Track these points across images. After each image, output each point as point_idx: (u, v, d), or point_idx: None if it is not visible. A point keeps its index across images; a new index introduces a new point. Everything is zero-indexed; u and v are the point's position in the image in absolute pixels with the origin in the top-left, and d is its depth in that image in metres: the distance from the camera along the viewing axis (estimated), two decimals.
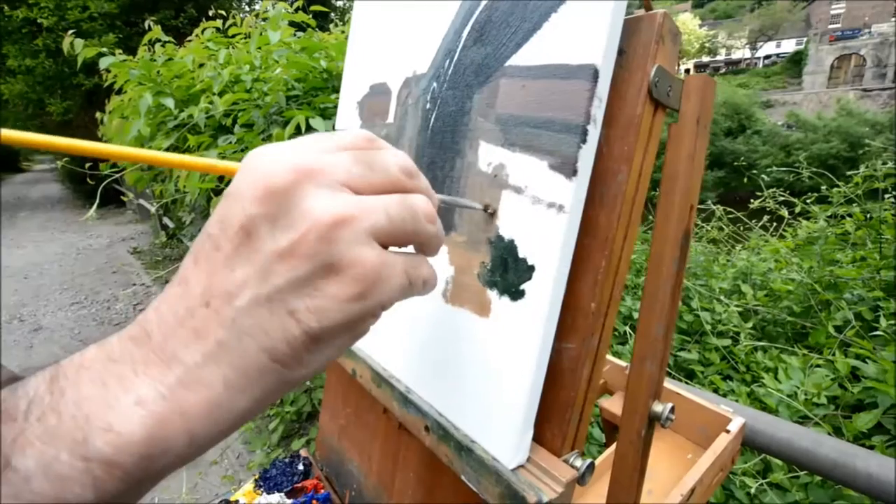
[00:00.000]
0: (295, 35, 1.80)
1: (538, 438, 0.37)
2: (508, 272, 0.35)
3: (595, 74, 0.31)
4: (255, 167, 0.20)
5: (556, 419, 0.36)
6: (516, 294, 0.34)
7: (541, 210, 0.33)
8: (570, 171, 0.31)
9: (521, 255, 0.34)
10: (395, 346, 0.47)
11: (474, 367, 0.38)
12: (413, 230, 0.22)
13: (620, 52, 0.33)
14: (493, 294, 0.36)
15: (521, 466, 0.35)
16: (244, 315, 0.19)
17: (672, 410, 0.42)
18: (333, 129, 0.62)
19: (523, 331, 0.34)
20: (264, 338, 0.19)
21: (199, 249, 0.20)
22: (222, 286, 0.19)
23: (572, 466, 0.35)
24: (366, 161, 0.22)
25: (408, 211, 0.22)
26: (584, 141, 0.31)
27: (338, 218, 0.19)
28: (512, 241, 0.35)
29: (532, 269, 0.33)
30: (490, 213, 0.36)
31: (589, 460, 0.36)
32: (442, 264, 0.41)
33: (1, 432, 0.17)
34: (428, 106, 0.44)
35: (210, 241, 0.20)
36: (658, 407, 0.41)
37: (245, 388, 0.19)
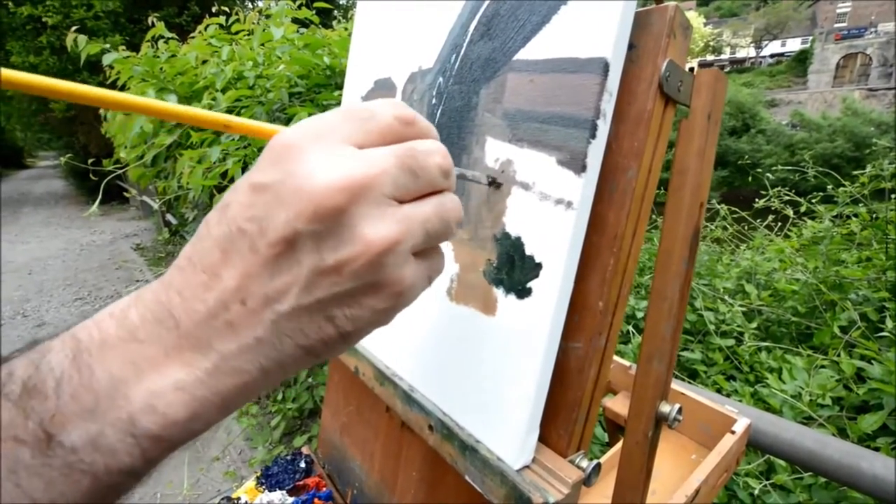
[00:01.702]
0: (298, 32, 1.80)
1: (544, 439, 0.36)
2: (515, 270, 0.34)
3: (605, 68, 0.30)
4: (300, 175, 0.19)
5: (562, 419, 0.36)
6: (523, 292, 0.34)
7: (548, 207, 0.32)
8: (578, 166, 0.31)
9: (528, 252, 0.33)
10: (398, 344, 0.46)
11: (479, 366, 0.37)
12: (444, 237, 0.23)
13: (631, 46, 0.33)
14: (499, 292, 0.35)
15: (527, 467, 0.35)
16: (284, 319, 0.20)
17: (680, 411, 0.41)
18: None
19: (530, 329, 0.33)
20: (302, 338, 0.20)
21: (229, 243, 0.20)
22: (261, 290, 0.19)
23: (578, 467, 0.35)
24: (411, 169, 0.21)
25: (443, 223, 0.22)
26: (593, 136, 0.31)
27: (387, 244, 0.20)
28: (519, 239, 0.34)
29: (539, 266, 0.33)
30: (495, 187, 0.36)
31: (595, 461, 0.36)
32: (446, 262, 0.40)
33: (33, 408, 0.18)
34: (433, 101, 0.43)
35: (244, 239, 0.19)
36: (665, 407, 0.40)
37: (278, 374, 0.21)
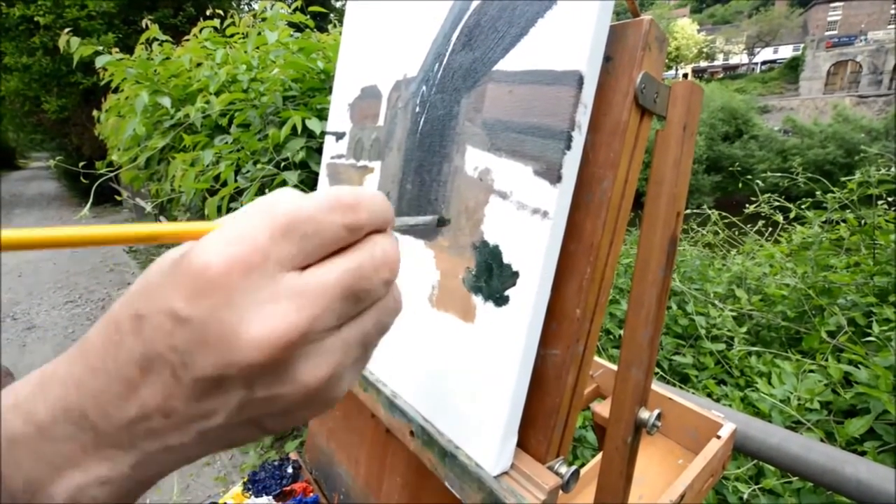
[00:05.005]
0: (293, 35, 1.80)
1: (523, 445, 0.37)
2: (493, 278, 0.35)
3: (580, 81, 0.31)
4: (228, 323, 0.17)
5: (540, 425, 0.36)
6: (500, 300, 0.34)
7: (525, 216, 0.33)
8: (554, 177, 0.31)
9: (505, 260, 0.34)
10: (381, 350, 0.46)
11: (459, 373, 0.37)
12: (380, 340, 0.22)
13: (607, 59, 0.34)
14: (477, 299, 0.36)
15: (505, 473, 0.35)
16: (212, 432, 0.19)
17: (659, 417, 0.42)
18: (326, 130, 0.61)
19: (507, 337, 0.34)
20: (229, 441, 0.20)
21: (147, 362, 0.18)
22: (185, 410, 0.19)
23: (556, 473, 0.35)
24: (357, 295, 0.20)
25: (381, 332, 0.22)
26: (568, 147, 0.31)
27: (325, 381, 0.19)
28: (496, 247, 0.35)
29: (516, 274, 0.33)
30: (445, 225, 0.37)
31: (574, 467, 0.36)
32: (428, 269, 0.40)
33: None
34: (417, 109, 0.44)
35: (166, 366, 0.18)
36: (644, 414, 0.41)
37: (203, 457, 0.21)
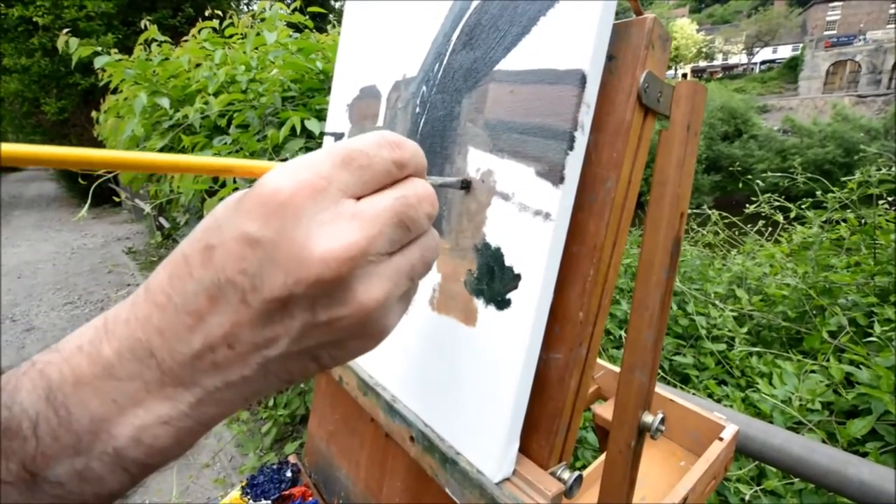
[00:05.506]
0: (291, 36, 1.80)
1: (525, 450, 0.36)
2: (495, 280, 0.34)
3: (583, 80, 0.30)
4: (298, 242, 0.19)
5: (543, 430, 0.36)
6: (502, 303, 0.33)
7: (527, 217, 0.32)
8: (556, 178, 0.31)
9: (507, 263, 0.33)
10: (381, 354, 0.46)
11: (460, 377, 0.37)
12: (424, 276, 0.24)
13: (610, 58, 0.33)
14: (479, 302, 0.35)
15: (507, 479, 0.34)
16: (272, 362, 0.20)
17: (662, 421, 0.41)
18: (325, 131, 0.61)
19: (509, 340, 0.33)
20: (286, 374, 0.22)
21: (217, 290, 0.19)
22: (250, 338, 0.20)
23: (559, 479, 0.35)
24: (405, 224, 0.21)
25: (426, 266, 0.24)
26: (571, 147, 0.31)
27: (379, 304, 0.21)
28: (498, 249, 0.34)
29: (518, 277, 0.33)
30: (467, 189, 0.37)
31: (577, 473, 0.35)
32: (430, 271, 0.40)
33: (13, 450, 0.18)
34: (417, 110, 0.43)
35: (235, 291, 0.19)
36: (648, 418, 0.40)
37: (258, 398, 0.22)
